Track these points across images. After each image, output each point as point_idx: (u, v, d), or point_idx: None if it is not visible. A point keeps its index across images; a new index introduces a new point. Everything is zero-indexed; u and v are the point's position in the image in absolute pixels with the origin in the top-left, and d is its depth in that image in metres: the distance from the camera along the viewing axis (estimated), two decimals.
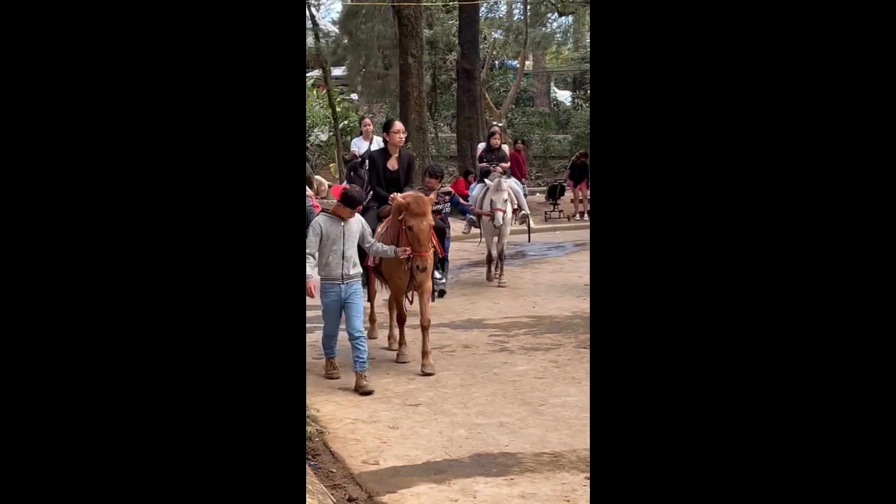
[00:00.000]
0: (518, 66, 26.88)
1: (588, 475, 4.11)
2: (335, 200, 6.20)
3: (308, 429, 4.63)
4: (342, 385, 5.94)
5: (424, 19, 19.38)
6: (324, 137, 21.63)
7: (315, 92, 22.87)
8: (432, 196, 6.45)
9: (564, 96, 29.96)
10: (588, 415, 4.94)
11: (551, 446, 4.61)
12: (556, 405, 5.35)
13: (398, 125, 7.41)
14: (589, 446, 4.40)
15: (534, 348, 6.89)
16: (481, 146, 11.32)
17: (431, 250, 6.15)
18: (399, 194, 6.29)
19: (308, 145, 14.97)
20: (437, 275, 7.52)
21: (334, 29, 23.95)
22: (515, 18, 27.37)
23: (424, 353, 6.28)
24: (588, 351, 6.64)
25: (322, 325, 6.15)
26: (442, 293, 7.38)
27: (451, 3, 21.66)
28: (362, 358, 5.78)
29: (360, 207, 6.04)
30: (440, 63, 23.91)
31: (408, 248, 5.85)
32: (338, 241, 5.72)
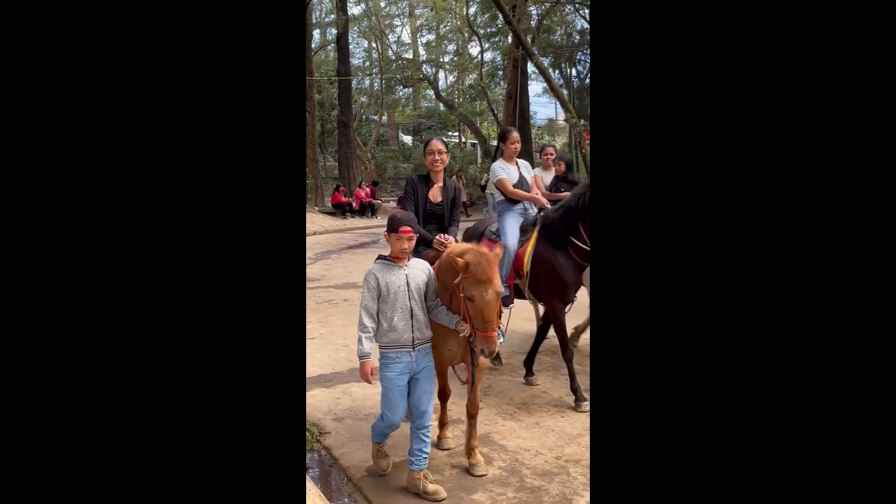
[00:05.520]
0: (377, 119, 26.93)
1: None
2: None
3: None
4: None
5: (315, 88, 18.94)
6: None
7: None
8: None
9: (408, 139, 30.22)
10: None
11: None
12: None
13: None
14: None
15: None
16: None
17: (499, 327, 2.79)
18: (452, 242, 3.12)
19: None
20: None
21: None
22: (376, 88, 27.19)
23: (471, 448, 3.02)
24: None
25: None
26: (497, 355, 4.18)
27: (333, 78, 21.26)
28: (425, 452, 2.81)
29: (409, 232, 2.77)
30: (326, 117, 23.57)
31: (466, 325, 2.65)
32: (401, 293, 2.74)
